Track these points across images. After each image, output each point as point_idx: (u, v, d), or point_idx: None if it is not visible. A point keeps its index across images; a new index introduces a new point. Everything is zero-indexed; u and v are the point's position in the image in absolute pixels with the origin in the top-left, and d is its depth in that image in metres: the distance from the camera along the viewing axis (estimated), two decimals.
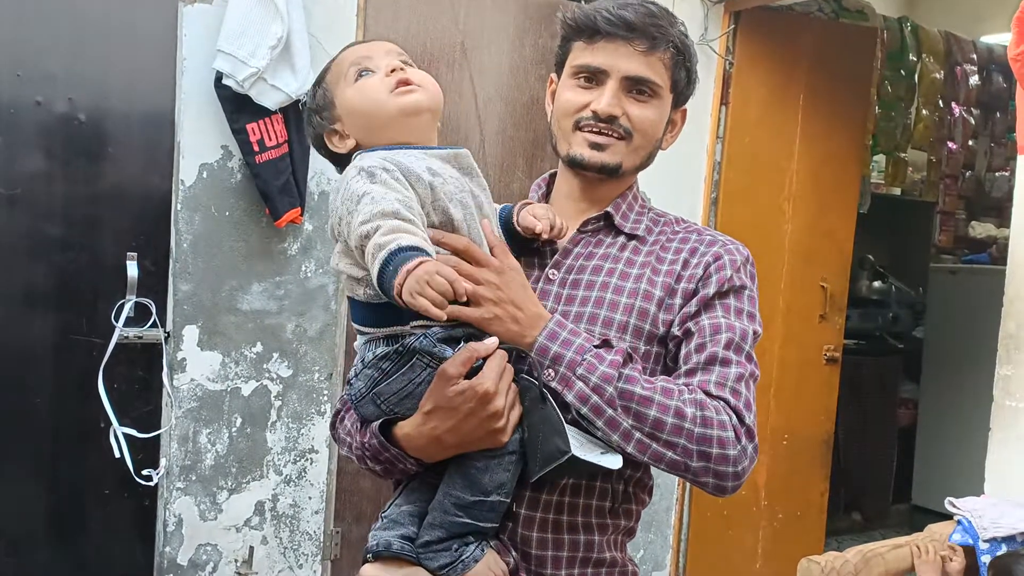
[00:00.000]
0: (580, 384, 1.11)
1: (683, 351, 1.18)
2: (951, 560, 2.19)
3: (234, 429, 2.69)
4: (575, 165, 1.28)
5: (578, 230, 1.29)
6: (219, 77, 2.46)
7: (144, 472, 2.49)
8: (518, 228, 1.24)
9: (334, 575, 2.91)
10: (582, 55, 1.26)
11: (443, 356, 1.09)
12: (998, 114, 5.28)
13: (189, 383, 2.61)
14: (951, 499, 2.34)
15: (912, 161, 4.96)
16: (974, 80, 5.10)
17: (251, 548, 2.72)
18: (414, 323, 1.10)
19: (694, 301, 1.20)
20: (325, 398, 2.81)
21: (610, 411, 1.10)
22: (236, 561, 2.72)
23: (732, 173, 3.42)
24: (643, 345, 1.20)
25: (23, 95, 2.40)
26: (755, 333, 1.21)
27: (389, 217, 1.03)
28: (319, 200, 2.71)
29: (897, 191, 4.89)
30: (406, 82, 1.18)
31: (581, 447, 1.10)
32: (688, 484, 3.50)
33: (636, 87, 1.24)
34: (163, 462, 2.58)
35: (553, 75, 1.34)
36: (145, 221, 2.56)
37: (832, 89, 3.58)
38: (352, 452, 1.24)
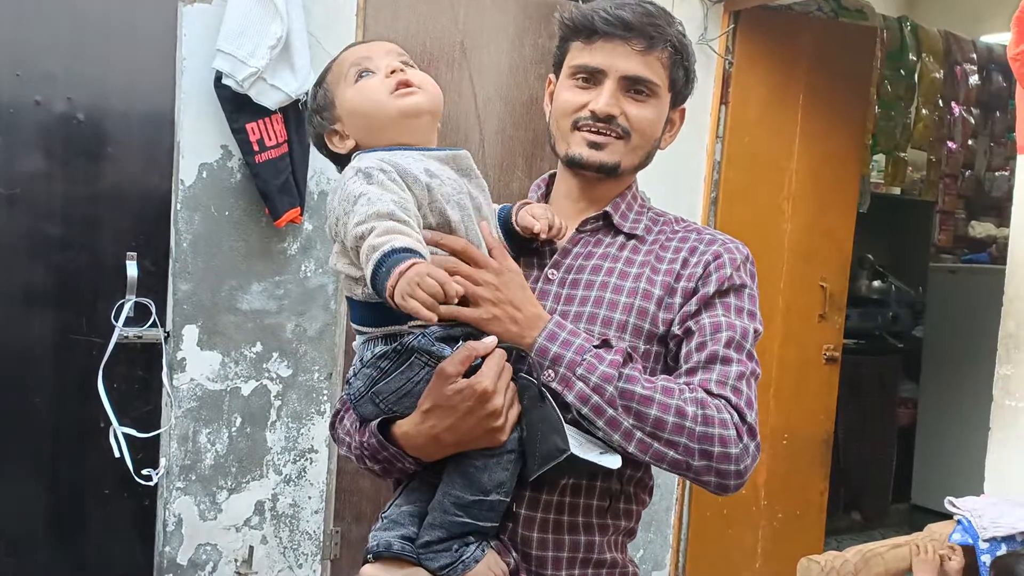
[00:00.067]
0: (580, 384, 1.11)
1: (683, 350, 1.18)
2: (950, 559, 2.19)
3: (234, 429, 2.69)
4: (574, 165, 1.28)
5: (577, 230, 1.29)
6: (219, 77, 2.46)
7: (144, 472, 2.49)
8: (517, 228, 1.24)
9: (334, 575, 2.91)
10: (580, 55, 1.26)
11: (441, 355, 1.09)
12: (998, 114, 5.28)
13: (189, 383, 2.61)
14: (951, 499, 2.34)
15: (912, 161, 4.96)
16: (974, 80, 5.10)
17: (251, 548, 2.73)
18: (412, 322, 1.10)
19: (694, 300, 1.20)
20: (325, 398, 2.81)
21: (611, 411, 1.10)
22: (236, 561, 2.72)
23: (732, 173, 3.42)
24: (643, 344, 1.20)
25: (23, 95, 2.40)
26: (756, 331, 1.21)
27: (384, 218, 1.03)
28: (319, 200, 2.71)
29: (897, 190, 4.89)
30: (406, 83, 1.18)
31: (580, 446, 1.10)
32: (688, 483, 3.54)
33: (634, 87, 1.24)
34: (163, 462, 2.58)
35: (551, 75, 1.34)
36: (145, 221, 2.56)
37: (832, 88, 3.58)
38: (351, 452, 1.23)
